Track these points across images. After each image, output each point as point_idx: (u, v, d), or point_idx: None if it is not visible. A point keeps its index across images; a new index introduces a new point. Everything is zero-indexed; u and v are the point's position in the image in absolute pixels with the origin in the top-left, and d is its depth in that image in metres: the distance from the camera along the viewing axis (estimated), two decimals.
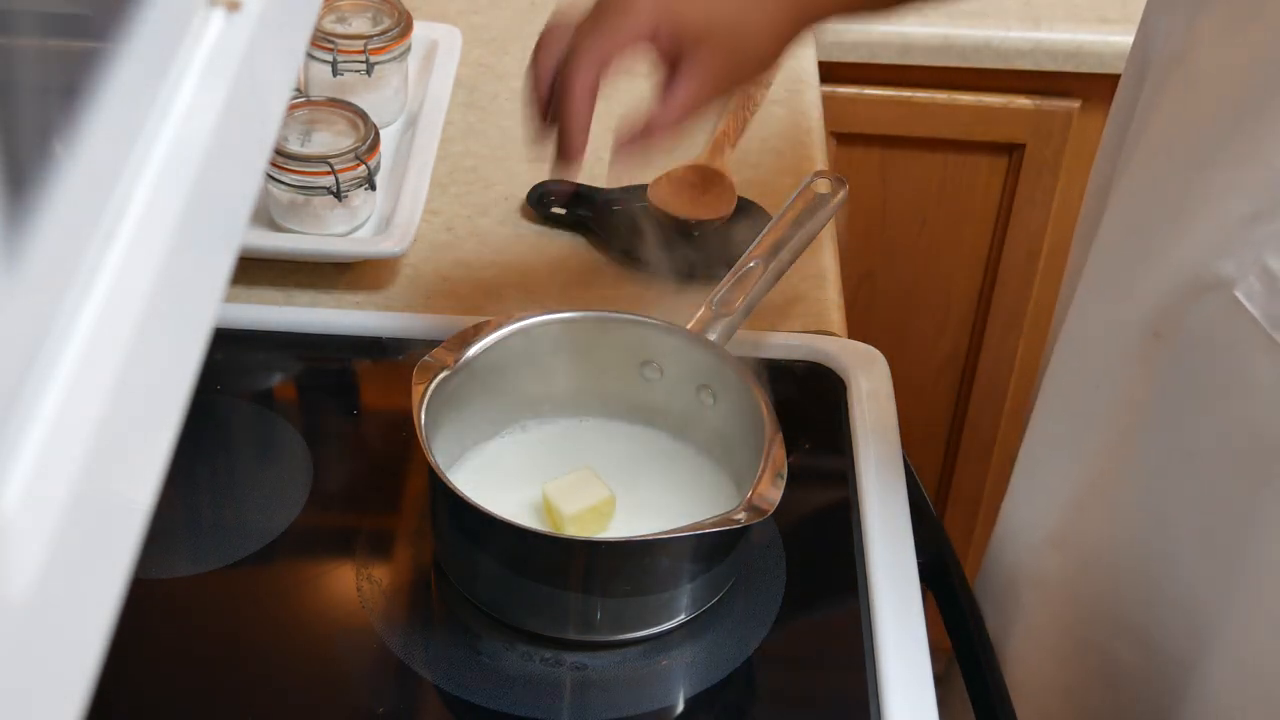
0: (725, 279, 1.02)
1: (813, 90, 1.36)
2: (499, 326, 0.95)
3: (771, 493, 0.87)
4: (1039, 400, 1.00)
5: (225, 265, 0.49)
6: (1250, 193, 0.81)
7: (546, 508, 0.92)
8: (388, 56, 1.22)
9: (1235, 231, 0.81)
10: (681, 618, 0.90)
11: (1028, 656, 1.02)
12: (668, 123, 0.90)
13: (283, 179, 1.11)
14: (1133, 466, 0.92)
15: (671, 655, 0.90)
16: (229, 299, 1.07)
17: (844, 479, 1.00)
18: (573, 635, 0.89)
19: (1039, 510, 1.00)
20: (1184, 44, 0.86)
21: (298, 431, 1.03)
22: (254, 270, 1.12)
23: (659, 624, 0.90)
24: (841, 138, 1.49)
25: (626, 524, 0.92)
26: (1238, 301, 0.82)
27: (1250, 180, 0.81)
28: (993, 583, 1.04)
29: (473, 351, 0.94)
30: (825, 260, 1.17)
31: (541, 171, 1.24)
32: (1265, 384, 0.82)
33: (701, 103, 0.91)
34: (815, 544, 0.97)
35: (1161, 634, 0.93)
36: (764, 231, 1.05)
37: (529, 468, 0.95)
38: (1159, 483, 0.91)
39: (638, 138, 0.90)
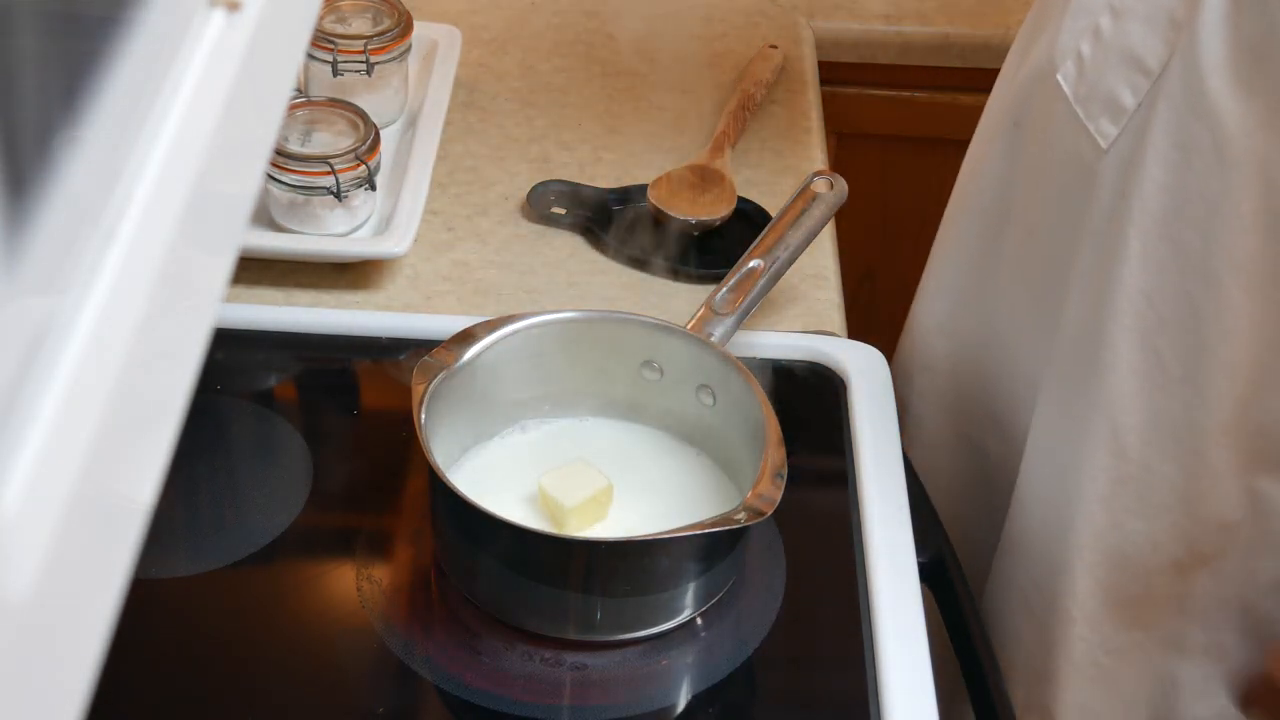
0: (725, 279, 1.02)
1: (813, 90, 1.36)
2: (499, 326, 0.95)
3: (771, 493, 0.86)
4: (949, 204, 1.13)
5: (225, 265, 0.49)
6: None
7: (544, 501, 0.92)
8: (388, 56, 1.22)
9: (1065, 24, 0.96)
10: (681, 618, 0.90)
11: (921, 443, 1.13)
12: None
13: (283, 179, 1.11)
14: (996, 258, 1.05)
15: (671, 655, 0.90)
16: (229, 299, 1.07)
17: (844, 479, 1.00)
18: (573, 635, 0.89)
19: (933, 300, 1.13)
20: None
21: (298, 431, 1.03)
22: (254, 270, 1.12)
23: (659, 624, 0.90)
24: (841, 138, 1.49)
25: (626, 523, 0.92)
26: (1059, 84, 0.96)
27: None
28: (897, 369, 1.15)
29: (473, 351, 0.94)
30: (825, 260, 1.18)
31: (542, 171, 1.25)
32: (1072, 156, 0.95)
33: None
34: (815, 544, 0.97)
35: (1013, 422, 1.03)
36: (764, 231, 1.05)
37: (529, 467, 0.95)
38: (1015, 271, 1.03)
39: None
